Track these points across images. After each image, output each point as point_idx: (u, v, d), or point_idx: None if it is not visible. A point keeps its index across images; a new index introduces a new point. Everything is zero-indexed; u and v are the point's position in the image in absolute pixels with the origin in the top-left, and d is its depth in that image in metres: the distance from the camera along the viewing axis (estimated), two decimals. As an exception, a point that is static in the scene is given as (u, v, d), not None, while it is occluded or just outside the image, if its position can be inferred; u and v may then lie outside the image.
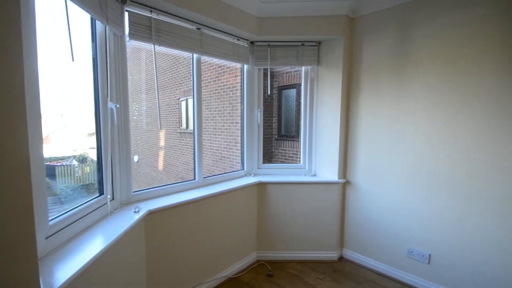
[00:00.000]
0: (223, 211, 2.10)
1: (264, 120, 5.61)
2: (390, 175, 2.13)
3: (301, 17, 2.25)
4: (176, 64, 6.64)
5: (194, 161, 2.17)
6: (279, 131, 5.27)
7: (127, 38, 1.65)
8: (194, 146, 2.18)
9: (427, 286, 1.96)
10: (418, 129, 1.97)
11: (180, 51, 1.97)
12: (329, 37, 2.27)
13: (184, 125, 6.42)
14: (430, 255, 1.94)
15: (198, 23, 1.99)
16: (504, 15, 1.58)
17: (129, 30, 1.63)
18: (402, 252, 2.09)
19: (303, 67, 2.52)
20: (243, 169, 2.54)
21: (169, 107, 6.96)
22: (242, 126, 2.56)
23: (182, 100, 6.55)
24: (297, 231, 2.41)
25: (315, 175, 2.53)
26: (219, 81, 5.70)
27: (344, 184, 2.43)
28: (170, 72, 6.87)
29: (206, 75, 6.00)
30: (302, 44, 2.40)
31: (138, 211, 1.60)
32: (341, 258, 2.46)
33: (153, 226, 1.67)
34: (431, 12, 1.86)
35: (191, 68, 2.16)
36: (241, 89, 2.59)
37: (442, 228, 1.89)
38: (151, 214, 1.64)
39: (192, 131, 2.20)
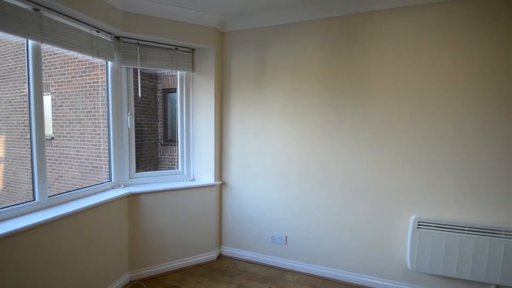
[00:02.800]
0: (80, 234, 1.75)
1: (148, 124, 5.16)
2: (256, 174, 2.43)
3: (173, 21, 2.22)
4: (24, 51, 5.06)
5: (33, 177, 1.71)
6: (165, 136, 5.00)
7: None
8: (32, 158, 1.71)
9: (286, 263, 2.37)
10: (275, 135, 2.34)
11: (7, 34, 1.50)
12: (202, 46, 2.35)
13: (36, 130, 4.95)
14: (286, 237, 2.36)
15: (36, 3, 1.59)
16: (321, 49, 2.14)
17: None
18: (267, 238, 2.42)
19: (178, 72, 2.49)
20: (111, 181, 2.23)
21: (12, 105, 5.22)
22: (108, 131, 2.24)
23: (32, 97, 5.03)
24: (177, 239, 2.34)
25: (193, 180, 2.54)
26: (87, 77, 4.81)
27: (221, 186, 2.58)
28: (13, 59, 5.17)
29: (70, 68, 4.93)
30: (176, 49, 2.37)
31: None
32: (220, 256, 2.58)
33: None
34: (279, 39, 2.26)
35: (25, 56, 1.69)
36: (106, 89, 2.27)
37: (294, 214, 2.32)
38: None
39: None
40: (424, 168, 1.93)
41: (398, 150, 1.98)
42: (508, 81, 1.73)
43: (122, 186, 2.24)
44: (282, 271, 2.32)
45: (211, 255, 2.50)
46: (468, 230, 1.78)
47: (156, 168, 5.05)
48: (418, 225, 1.88)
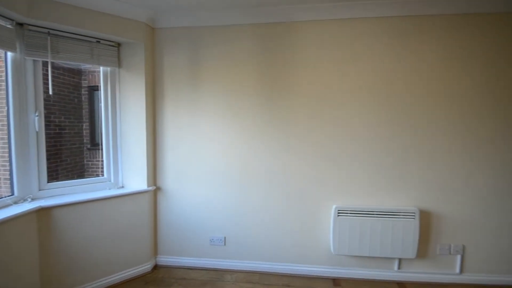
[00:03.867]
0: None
1: (70, 126, 4.52)
2: (194, 178, 2.38)
3: (95, 11, 2.00)
4: None
5: None
6: (92, 140, 4.45)
7: None
8: None
9: (225, 264, 2.38)
10: (211, 136, 2.33)
11: None
12: (129, 40, 2.18)
13: None
14: (225, 237, 2.38)
15: None
16: (254, 52, 2.23)
17: None
18: (206, 241, 2.40)
19: (101, 68, 2.25)
20: (13, 194, 1.87)
21: None
22: (8, 135, 1.88)
23: None
24: (105, 254, 2.11)
25: (122, 187, 2.33)
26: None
27: (155, 191, 2.44)
28: None
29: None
30: (98, 41, 2.14)
31: None
32: (155, 267, 2.43)
33: None
34: (214, 40, 2.27)
35: None
36: (6, 85, 1.90)
37: (232, 214, 2.36)
38: None
39: None
40: (342, 163, 2.20)
41: (321, 148, 2.22)
42: (412, 85, 2.11)
43: (29, 200, 1.90)
44: (222, 272, 2.33)
45: (146, 267, 2.33)
46: (376, 214, 2.11)
47: (81, 176, 4.44)
48: (338, 213, 2.13)
